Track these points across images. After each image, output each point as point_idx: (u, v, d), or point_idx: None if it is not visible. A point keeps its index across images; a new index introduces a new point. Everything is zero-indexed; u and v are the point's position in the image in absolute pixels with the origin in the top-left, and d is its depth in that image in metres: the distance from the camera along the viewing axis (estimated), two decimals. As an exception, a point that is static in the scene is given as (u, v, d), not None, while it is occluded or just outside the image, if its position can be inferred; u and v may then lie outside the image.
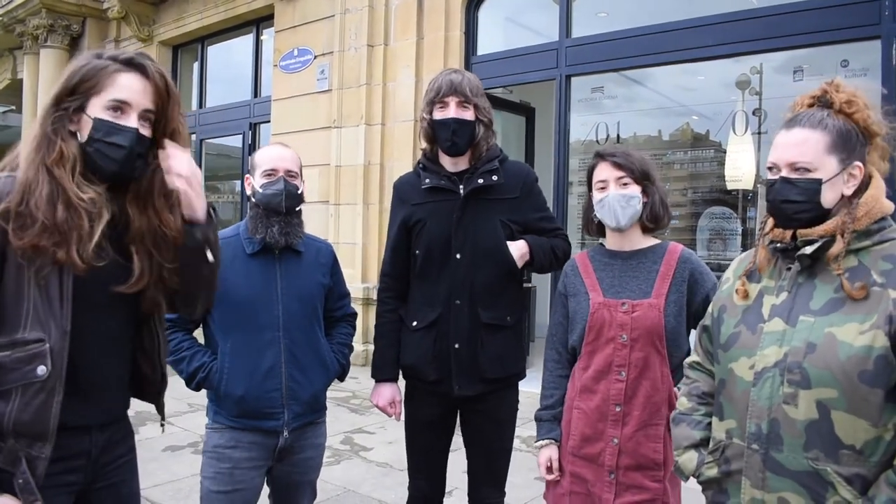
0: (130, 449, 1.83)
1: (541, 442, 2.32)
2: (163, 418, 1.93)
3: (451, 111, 2.49)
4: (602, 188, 2.22)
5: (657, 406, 2.13)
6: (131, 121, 1.60)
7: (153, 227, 1.67)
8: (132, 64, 1.62)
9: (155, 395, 1.85)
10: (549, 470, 2.29)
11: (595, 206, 2.24)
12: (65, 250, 1.50)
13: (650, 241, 2.29)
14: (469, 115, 2.49)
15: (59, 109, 1.58)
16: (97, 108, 1.58)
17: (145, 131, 1.63)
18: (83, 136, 1.59)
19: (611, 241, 2.31)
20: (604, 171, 2.22)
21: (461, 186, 2.53)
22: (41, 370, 1.50)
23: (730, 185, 6.81)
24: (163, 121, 1.67)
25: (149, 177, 1.67)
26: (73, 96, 1.58)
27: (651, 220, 2.24)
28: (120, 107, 1.59)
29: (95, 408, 1.67)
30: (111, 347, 1.69)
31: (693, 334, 2.10)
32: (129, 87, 1.60)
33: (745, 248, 6.69)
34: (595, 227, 2.32)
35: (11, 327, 1.52)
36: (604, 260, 2.29)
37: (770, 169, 1.62)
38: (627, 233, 2.24)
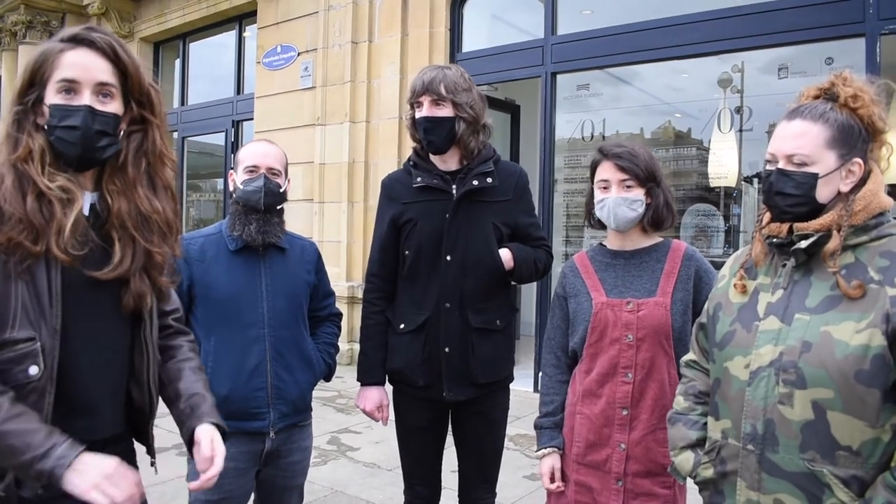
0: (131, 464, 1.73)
1: (542, 451, 2.23)
2: (153, 456, 1.75)
3: (424, 110, 2.46)
4: (604, 188, 2.14)
5: (666, 409, 2.01)
6: (83, 99, 1.50)
7: (135, 209, 1.57)
8: (77, 39, 1.52)
9: (143, 424, 1.71)
10: (553, 479, 2.20)
11: (595, 204, 2.17)
12: (43, 243, 1.43)
13: (653, 240, 2.21)
14: (444, 112, 2.44)
15: (21, 104, 1.50)
16: (51, 94, 1.50)
17: (109, 107, 1.53)
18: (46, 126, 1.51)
19: (611, 241, 2.24)
20: (607, 171, 2.13)
21: (454, 187, 2.49)
22: (33, 370, 1.44)
23: (714, 183, 6.83)
24: (133, 90, 1.57)
25: (124, 153, 1.57)
26: (32, 88, 1.51)
27: (652, 224, 2.16)
28: (70, 87, 1.49)
29: (96, 422, 1.58)
30: (105, 357, 1.60)
31: None
32: (76, 64, 1.50)
33: (728, 244, 6.72)
34: (597, 222, 2.22)
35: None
36: (605, 260, 2.22)
37: (768, 160, 1.59)
38: (628, 233, 2.18)
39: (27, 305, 1.45)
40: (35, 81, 1.51)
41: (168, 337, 1.81)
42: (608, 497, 2.09)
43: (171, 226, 1.65)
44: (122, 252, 1.55)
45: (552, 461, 2.21)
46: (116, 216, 1.56)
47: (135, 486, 1.46)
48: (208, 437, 1.65)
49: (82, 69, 1.50)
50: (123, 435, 1.70)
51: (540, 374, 2.34)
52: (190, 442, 1.68)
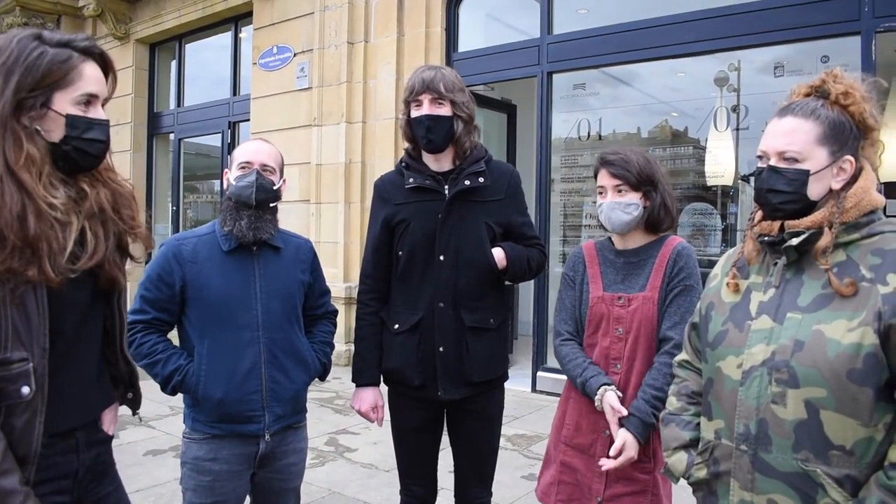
0: (111, 464, 1.78)
1: (599, 392, 2.15)
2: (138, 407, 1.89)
3: (425, 108, 2.45)
4: (601, 194, 2.27)
5: None
6: (100, 112, 1.56)
7: (107, 192, 1.63)
8: (92, 53, 1.56)
9: (134, 381, 1.83)
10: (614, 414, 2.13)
11: (596, 208, 2.29)
12: (36, 267, 1.42)
13: (653, 237, 2.30)
14: (444, 111, 2.45)
15: (20, 105, 1.45)
16: (65, 104, 1.50)
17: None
18: (54, 134, 1.50)
19: (615, 240, 2.34)
20: (602, 178, 2.26)
21: (446, 187, 2.49)
22: (25, 390, 1.43)
23: (710, 181, 6.82)
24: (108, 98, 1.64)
25: None
26: (36, 91, 1.47)
27: (650, 226, 2.27)
28: (90, 100, 1.54)
29: (79, 408, 1.62)
30: (88, 345, 1.65)
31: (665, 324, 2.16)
32: (96, 79, 1.55)
33: (726, 243, 6.72)
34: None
35: None
36: (609, 256, 2.33)
37: (759, 157, 1.59)
38: (629, 234, 2.28)
39: (18, 326, 1.44)
40: (42, 84, 1.47)
41: None
42: (591, 479, 2.21)
43: (135, 196, 1.74)
44: (94, 240, 1.58)
45: (610, 397, 2.13)
46: (96, 202, 1.59)
47: None
48: None
49: (100, 84, 1.57)
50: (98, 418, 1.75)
51: (556, 344, 2.36)
52: None
